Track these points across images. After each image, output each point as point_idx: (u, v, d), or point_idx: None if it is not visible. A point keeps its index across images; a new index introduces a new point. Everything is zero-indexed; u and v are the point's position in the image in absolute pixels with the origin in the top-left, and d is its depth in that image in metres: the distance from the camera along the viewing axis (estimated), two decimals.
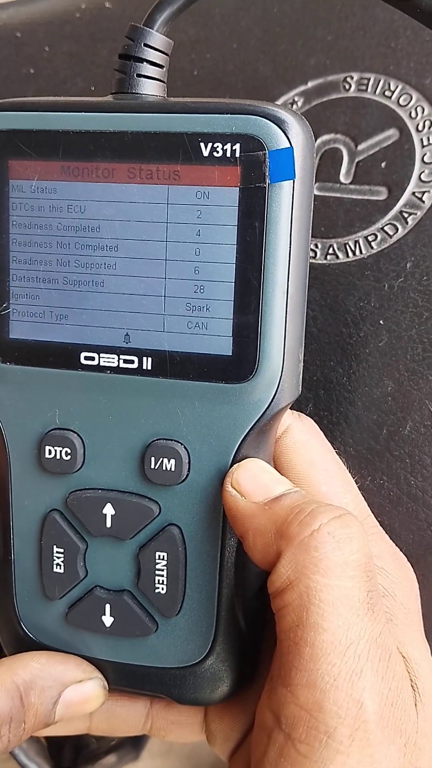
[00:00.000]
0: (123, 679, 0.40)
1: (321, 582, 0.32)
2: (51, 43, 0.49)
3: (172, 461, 0.36)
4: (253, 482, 0.35)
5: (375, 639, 0.32)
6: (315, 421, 0.41)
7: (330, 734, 0.30)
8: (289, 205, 0.33)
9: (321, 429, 0.40)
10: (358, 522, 0.34)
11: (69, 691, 0.38)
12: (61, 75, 0.49)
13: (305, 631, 0.32)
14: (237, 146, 0.33)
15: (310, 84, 0.45)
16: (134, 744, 0.59)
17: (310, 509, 0.33)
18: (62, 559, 0.39)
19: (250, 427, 0.36)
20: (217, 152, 0.33)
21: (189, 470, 0.37)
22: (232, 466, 0.36)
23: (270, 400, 0.35)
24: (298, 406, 0.43)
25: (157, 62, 0.36)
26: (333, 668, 0.31)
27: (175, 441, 0.36)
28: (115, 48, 0.48)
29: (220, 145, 0.33)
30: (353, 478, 0.40)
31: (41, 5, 0.50)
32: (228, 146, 0.33)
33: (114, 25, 0.49)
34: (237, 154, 0.33)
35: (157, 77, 0.36)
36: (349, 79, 0.44)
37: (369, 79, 0.44)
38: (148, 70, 0.36)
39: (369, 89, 0.44)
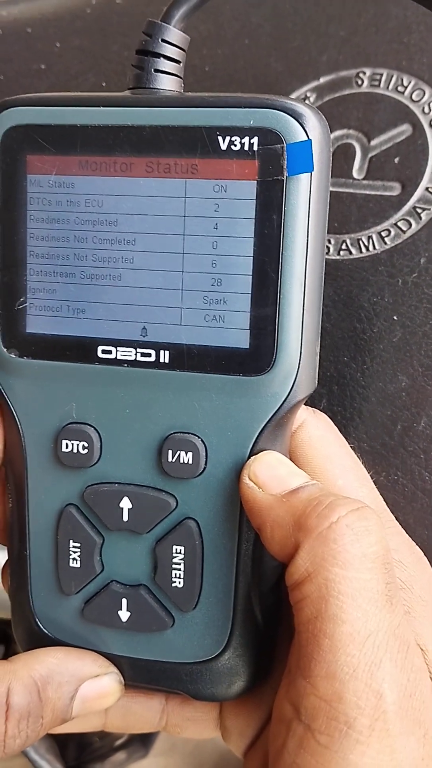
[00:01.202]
0: (139, 675, 0.41)
1: (340, 574, 0.33)
2: (62, 39, 0.51)
3: (190, 454, 0.37)
4: (270, 474, 0.36)
5: (394, 630, 0.33)
6: (329, 416, 0.42)
7: (350, 724, 0.31)
8: (306, 198, 0.35)
9: (335, 425, 0.41)
10: (376, 515, 0.35)
11: (86, 686, 0.39)
12: (72, 70, 0.50)
13: (324, 622, 0.32)
14: (255, 140, 0.34)
15: (322, 80, 0.46)
16: (143, 741, 0.60)
17: (328, 501, 0.34)
18: (78, 553, 0.40)
19: (267, 420, 0.37)
20: (235, 146, 0.34)
21: (206, 463, 0.38)
22: (248, 459, 0.37)
23: (287, 393, 0.36)
24: (311, 401, 0.44)
25: (174, 58, 0.37)
26: (352, 659, 0.32)
27: (192, 434, 0.38)
28: (126, 43, 0.49)
29: (238, 139, 0.34)
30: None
31: (52, 1, 0.51)
32: (246, 140, 0.34)
33: (124, 21, 0.50)
34: (255, 148, 0.34)
35: (173, 72, 0.38)
36: (361, 75, 0.45)
37: (382, 75, 0.45)
38: (165, 65, 0.37)
39: (382, 85, 0.45)
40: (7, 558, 0.43)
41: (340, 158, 0.46)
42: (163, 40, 0.37)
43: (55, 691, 0.38)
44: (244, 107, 0.34)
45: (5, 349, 0.39)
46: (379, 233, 0.45)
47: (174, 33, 0.37)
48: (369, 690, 0.32)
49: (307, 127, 0.34)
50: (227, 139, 0.35)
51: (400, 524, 0.41)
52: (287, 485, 0.36)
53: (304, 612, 0.33)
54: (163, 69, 0.37)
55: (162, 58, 0.37)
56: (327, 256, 0.46)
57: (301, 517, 0.34)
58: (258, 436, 0.37)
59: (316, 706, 0.32)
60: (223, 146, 0.35)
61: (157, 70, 0.37)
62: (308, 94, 0.46)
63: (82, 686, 0.39)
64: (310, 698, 0.33)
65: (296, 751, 0.33)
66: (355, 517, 0.34)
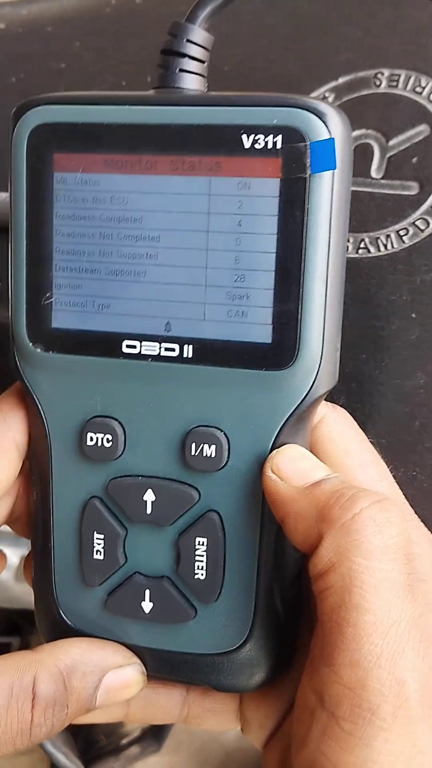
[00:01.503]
0: (160, 667, 0.42)
1: (363, 564, 0.33)
2: (81, 38, 0.52)
3: (212, 447, 0.38)
4: (292, 467, 0.37)
5: (416, 620, 0.34)
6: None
7: (374, 711, 0.32)
8: (329, 195, 0.35)
9: None
10: (398, 507, 0.36)
11: (109, 677, 0.40)
12: (91, 70, 0.51)
13: (348, 612, 0.33)
14: (278, 138, 0.35)
15: (340, 80, 0.47)
16: (156, 736, 0.61)
17: (351, 493, 0.35)
18: (102, 545, 0.41)
19: (289, 414, 0.38)
20: (259, 144, 0.35)
21: (229, 457, 0.39)
22: (271, 452, 0.38)
23: (309, 388, 0.37)
24: (330, 398, 0.45)
25: (199, 57, 0.38)
26: (375, 648, 0.33)
27: (215, 428, 0.38)
28: (145, 44, 0.50)
29: (261, 137, 0.35)
30: None
31: (72, 0, 0.52)
32: (270, 138, 0.35)
33: (144, 21, 0.51)
34: (278, 146, 0.35)
35: (198, 72, 0.39)
36: (379, 76, 0.46)
37: (400, 76, 0.46)
38: (189, 65, 0.38)
39: (400, 85, 0.46)
40: (30, 551, 0.44)
41: (359, 158, 0.46)
42: (188, 40, 0.38)
43: (80, 680, 0.39)
44: (268, 106, 0.35)
45: (31, 344, 0.40)
46: (398, 232, 0.46)
47: (199, 33, 0.38)
48: (392, 678, 0.32)
49: (330, 126, 0.35)
50: (251, 137, 0.35)
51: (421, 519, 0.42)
52: (310, 478, 0.37)
53: (328, 601, 0.34)
54: (188, 68, 0.38)
55: (187, 58, 0.38)
56: (346, 255, 0.47)
57: (324, 509, 0.35)
58: (280, 430, 0.38)
59: (340, 694, 0.33)
60: (247, 144, 0.35)
61: (181, 70, 0.38)
62: (326, 95, 0.47)
63: (105, 676, 0.40)
64: (334, 686, 0.33)
65: (320, 738, 0.34)
66: (378, 508, 0.35)
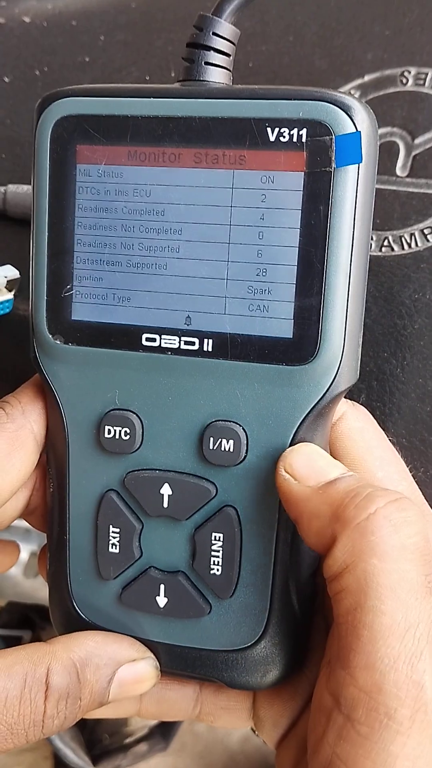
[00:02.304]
0: (174, 662, 0.42)
1: (378, 566, 0.33)
2: (106, 32, 0.52)
3: (231, 442, 0.39)
4: (307, 466, 0.37)
5: None
6: (368, 411, 0.43)
7: (390, 716, 0.32)
8: (353, 190, 0.36)
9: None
10: (416, 506, 0.35)
11: (123, 670, 0.40)
12: (115, 64, 0.52)
13: (363, 614, 0.33)
14: (303, 131, 0.35)
15: (367, 77, 0.47)
16: (163, 734, 0.61)
17: (366, 493, 0.35)
18: (118, 539, 0.41)
19: (308, 410, 0.38)
20: (284, 137, 0.36)
21: (247, 452, 0.39)
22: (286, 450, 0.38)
23: (329, 383, 0.37)
24: (350, 396, 0.45)
25: (225, 51, 0.39)
26: (392, 651, 0.32)
27: (233, 422, 0.39)
28: (170, 38, 0.51)
29: (286, 130, 0.36)
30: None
31: None
32: (295, 131, 0.36)
33: (168, 16, 0.51)
34: (303, 139, 0.35)
35: (223, 65, 0.39)
36: (406, 74, 0.47)
37: (427, 74, 0.46)
38: (215, 58, 0.39)
39: (427, 84, 0.46)
40: (45, 544, 0.45)
41: (384, 155, 0.47)
42: (214, 33, 0.38)
43: (94, 673, 0.39)
44: (294, 99, 0.36)
45: (50, 336, 0.40)
46: (422, 230, 0.47)
47: (225, 26, 0.39)
48: (410, 681, 0.32)
49: (356, 120, 0.35)
50: (276, 130, 0.36)
51: None
52: (324, 476, 0.37)
53: (343, 603, 0.34)
54: (214, 62, 0.39)
55: (212, 51, 0.39)
56: (369, 253, 0.47)
57: (339, 509, 0.35)
58: (299, 426, 0.38)
59: (356, 697, 0.33)
60: (272, 137, 0.36)
61: (207, 63, 0.39)
62: (352, 92, 0.47)
63: (119, 670, 0.40)
64: (350, 689, 0.33)
65: (336, 741, 0.34)
66: (394, 507, 0.35)
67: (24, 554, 0.62)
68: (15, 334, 0.52)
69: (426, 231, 0.46)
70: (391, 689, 0.32)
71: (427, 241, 0.46)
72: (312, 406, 0.38)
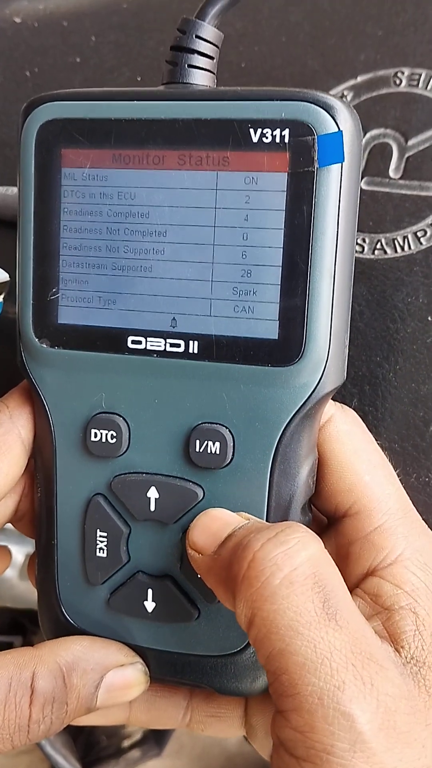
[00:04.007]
0: (163, 668, 0.43)
1: (270, 610, 0.34)
2: (98, 33, 0.54)
3: (217, 444, 0.40)
4: (205, 536, 0.39)
5: (350, 648, 0.33)
6: (360, 416, 0.44)
7: (329, 751, 0.32)
8: (337, 189, 0.37)
9: (366, 424, 0.44)
10: (300, 532, 0.36)
11: (111, 676, 0.42)
12: (107, 65, 0.54)
13: (277, 660, 0.33)
14: (286, 132, 0.37)
15: (359, 78, 0.49)
16: (157, 740, 0.62)
17: (246, 542, 0.36)
18: (105, 543, 0.43)
19: (295, 411, 0.39)
20: (267, 138, 0.37)
21: (233, 454, 0.40)
22: (276, 451, 0.40)
23: (315, 384, 0.39)
24: (342, 400, 0.46)
25: (208, 53, 0.40)
26: (313, 688, 0.32)
27: (220, 424, 0.40)
28: (162, 39, 0.53)
29: (269, 131, 0.37)
30: (398, 474, 0.43)
31: None
32: (277, 132, 0.37)
33: (160, 16, 0.53)
34: (286, 140, 0.37)
35: (207, 68, 0.41)
36: (399, 74, 0.48)
37: (420, 75, 0.47)
38: (198, 61, 0.40)
39: (420, 85, 0.47)
40: (34, 550, 0.46)
41: (377, 157, 0.48)
42: (197, 37, 0.40)
43: (80, 678, 0.41)
44: (276, 100, 0.37)
45: (37, 339, 0.42)
46: (415, 233, 0.48)
47: (208, 29, 0.40)
48: (339, 714, 0.32)
49: (338, 119, 0.37)
50: (259, 131, 0.37)
51: (429, 527, 0.43)
52: (218, 540, 0.38)
53: (260, 654, 0.35)
54: (197, 65, 0.40)
55: (196, 54, 0.40)
56: (361, 255, 0.48)
57: (229, 568, 0.36)
58: (285, 428, 0.39)
59: (293, 738, 0.33)
60: (255, 138, 0.37)
61: (190, 66, 0.40)
62: (345, 93, 0.49)
63: (107, 675, 0.42)
64: (286, 730, 0.34)
65: None
66: (272, 545, 0.35)
67: (20, 556, 0.64)
68: (5, 337, 0.53)
69: (419, 234, 0.48)
70: (323, 726, 0.32)
71: (420, 244, 0.48)
72: (298, 407, 0.39)
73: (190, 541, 0.39)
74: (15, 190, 0.54)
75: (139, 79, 0.53)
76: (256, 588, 0.34)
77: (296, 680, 0.33)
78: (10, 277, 0.50)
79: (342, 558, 0.41)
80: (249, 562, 0.35)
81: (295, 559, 0.34)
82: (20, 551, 0.63)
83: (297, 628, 0.33)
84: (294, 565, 0.34)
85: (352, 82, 0.49)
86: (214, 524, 0.39)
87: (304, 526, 0.36)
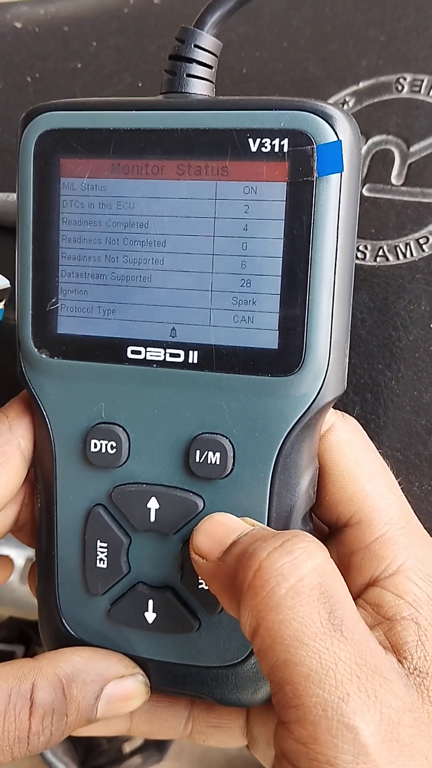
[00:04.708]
0: (164, 679, 0.44)
1: (276, 620, 0.34)
2: (98, 38, 0.54)
3: (217, 455, 0.40)
4: (208, 540, 0.39)
5: (354, 660, 0.33)
6: (362, 424, 0.44)
7: (332, 763, 0.32)
8: (336, 199, 0.37)
9: (368, 433, 0.44)
10: (306, 541, 0.36)
11: (111, 687, 0.42)
12: (107, 70, 0.54)
13: (281, 670, 0.33)
14: (285, 141, 0.37)
15: (361, 84, 0.49)
16: (158, 746, 0.62)
17: (252, 550, 0.36)
18: (105, 554, 0.43)
19: (295, 421, 0.39)
20: (266, 147, 0.37)
21: (234, 464, 0.40)
22: (277, 461, 0.40)
23: (316, 394, 0.39)
24: (344, 409, 0.46)
25: (207, 63, 0.41)
26: (317, 699, 0.32)
27: (220, 435, 0.40)
28: (163, 44, 0.53)
29: (268, 141, 0.37)
30: (400, 483, 0.43)
31: (89, 0, 0.55)
32: (276, 141, 0.37)
33: (162, 22, 0.53)
34: (285, 149, 0.37)
35: (206, 77, 0.41)
36: (401, 80, 0.48)
37: (422, 81, 0.48)
38: (197, 70, 0.41)
39: (422, 90, 0.48)
40: (34, 559, 0.47)
41: (379, 164, 0.48)
42: (196, 46, 0.40)
43: (80, 689, 0.41)
44: (275, 109, 0.37)
45: (36, 350, 0.42)
46: (417, 240, 0.48)
47: (207, 38, 0.40)
48: (343, 726, 0.32)
49: (337, 129, 0.37)
50: (257, 141, 0.38)
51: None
52: (223, 545, 0.38)
53: (263, 665, 0.35)
54: (196, 74, 0.40)
55: (194, 63, 0.40)
56: (363, 262, 0.49)
57: (234, 575, 0.36)
58: (286, 438, 0.40)
59: (296, 750, 0.33)
60: (254, 148, 0.38)
61: (189, 75, 0.40)
62: (347, 99, 0.49)
63: (107, 686, 0.42)
64: (289, 742, 0.34)
65: None
66: (278, 555, 0.35)
67: (20, 560, 0.64)
68: (5, 344, 0.53)
69: (422, 241, 0.48)
70: (326, 738, 0.32)
71: (423, 251, 0.48)
72: (298, 417, 0.39)
73: (194, 546, 0.39)
74: (15, 196, 0.54)
75: (140, 84, 0.53)
76: (262, 597, 0.34)
77: (300, 691, 0.33)
78: (10, 284, 0.50)
79: (343, 568, 0.41)
80: (255, 571, 0.35)
81: (301, 569, 0.34)
82: (21, 555, 0.64)
83: (302, 639, 0.33)
84: (300, 576, 0.34)
85: (353, 88, 0.49)
86: (219, 529, 0.39)
87: (311, 535, 0.36)
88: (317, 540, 0.36)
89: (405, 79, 0.48)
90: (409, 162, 0.48)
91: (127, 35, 0.54)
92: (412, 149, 0.48)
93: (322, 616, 0.34)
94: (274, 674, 0.34)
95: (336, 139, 0.37)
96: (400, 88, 0.48)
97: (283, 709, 0.34)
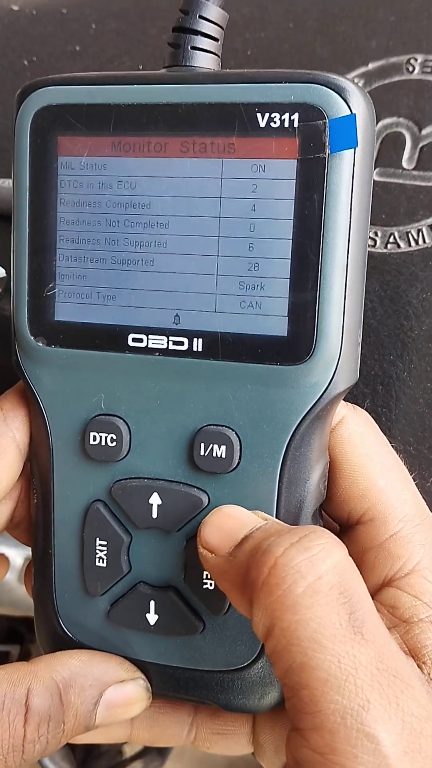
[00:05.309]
0: (166, 684, 0.42)
1: (293, 620, 0.32)
2: (98, 21, 0.53)
3: (223, 448, 0.39)
4: (218, 535, 0.37)
5: (375, 665, 0.32)
6: (372, 418, 0.42)
7: None
8: (349, 176, 0.36)
9: (379, 426, 0.42)
10: (324, 537, 0.34)
11: (110, 692, 0.40)
12: (108, 53, 0.53)
13: (297, 674, 0.32)
14: (295, 116, 0.36)
15: (371, 65, 0.47)
16: (159, 751, 0.61)
17: (266, 545, 0.34)
18: (105, 552, 0.41)
19: (305, 413, 0.38)
20: (275, 123, 0.36)
21: (240, 458, 0.39)
22: (286, 454, 0.38)
23: (327, 384, 0.37)
24: (354, 401, 0.45)
25: (212, 35, 0.39)
26: (337, 706, 0.31)
27: (225, 427, 0.39)
28: (164, 26, 0.51)
29: (278, 115, 0.36)
30: (414, 478, 0.42)
31: None
32: (286, 116, 0.36)
33: (163, 3, 0.52)
34: (295, 124, 0.36)
35: (211, 50, 0.39)
36: (412, 61, 0.47)
37: None
38: (202, 42, 0.39)
39: None
40: (30, 557, 0.45)
41: (390, 147, 0.47)
42: (201, 17, 0.39)
43: (78, 695, 0.39)
44: (284, 82, 0.36)
45: (32, 338, 0.41)
46: (430, 226, 0.47)
47: (212, 9, 0.39)
48: (363, 736, 0.30)
49: (351, 102, 0.35)
50: (266, 115, 0.36)
51: None
52: (234, 540, 0.36)
53: (277, 667, 0.33)
54: (200, 46, 0.39)
55: (199, 35, 0.39)
56: (373, 249, 0.47)
57: (247, 572, 0.34)
58: (295, 430, 0.38)
59: (311, 759, 0.31)
60: (262, 123, 0.36)
61: (194, 48, 0.39)
62: (356, 80, 0.48)
63: (106, 692, 0.40)
64: (304, 750, 0.32)
65: None
66: (295, 551, 0.33)
67: (18, 560, 0.63)
68: (3, 335, 0.52)
69: None
70: (345, 748, 0.31)
71: None
72: (309, 408, 0.38)
73: (202, 540, 0.37)
74: (7, 182, 0.52)
75: (140, 67, 0.52)
76: (277, 596, 0.32)
77: (318, 697, 0.31)
78: (7, 272, 0.49)
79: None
80: (270, 568, 0.33)
81: (319, 566, 0.33)
82: (19, 554, 0.63)
83: (320, 641, 0.31)
84: (318, 574, 0.33)
85: (363, 70, 0.48)
86: (230, 522, 0.37)
87: (329, 532, 0.35)
88: (336, 537, 0.35)
89: (416, 59, 0.47)
90: (421, 145, 0.47)
91: (127, 17, 0.53)
92: (424, 132, 0.47)
93: (342, 617, 0.32)
94: (289, 678, 0.32)
95: (349, 112, 0.35)
96: (411, 69, 0.47)
97: (299, 715, 0.32)
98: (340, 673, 0.31)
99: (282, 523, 0.37)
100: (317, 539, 0.34)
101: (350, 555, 0.40)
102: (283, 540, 0.34)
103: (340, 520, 0.42)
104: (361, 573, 0.38)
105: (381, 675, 0.31)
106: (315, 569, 0.33)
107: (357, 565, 0.39)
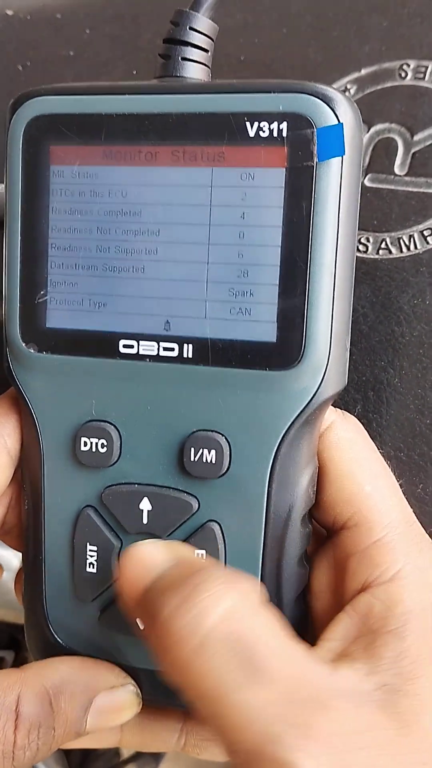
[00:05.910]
0: (156, 690, 0.42)
1: (190, 678, 0.33)
2: (92, 25, 0.54)
3: (213, 453, 0.39)
4: (127, 581, 0.37)
5: (285, 698, 0.32)
6: (363, 423, 0.43)
7: None
8: (337, 184, 0.37)
9: (369, 432, 0.43)
10: (214, 585, 0.34)
11: (101, 698, 0.41)
12: (102, 58, 0.53)
13: (210, 723, 0.33)
14: (284, 125, 0.36)
15: (363, 71, 0.48)
16: (154, 754, 0.62)
17: (159, 605, 0.34)
18: (95, 558, 0.42)
19: (294, 417, 0.39)
20: (264, 132, 0.37)
21: (230, 463, 0.40)
22: (275, 459, 0.39)
23: (316, 389, 0.38)
24: (345, 407, 0.46)
25: (202, 46, 0.40)
26: (251, 746, 0.31)
27: (215, 432, 0.40)
28: (159, 31, 0.52)
29: (266, 125, 0.37)
30: (402, 485, 0.42)
31: None
32: (275, 125, 0.37)
33: (157, 8, 0.52)
34: (284, 134, 0.36)
35: (201, 61, 0.40)
36: (405, 67, 0.47)
37: (426, 67, 0.47)
38: (192, 53, 0.40)
39: (426, 77, 0.47)
40: (21, 564, 0.46)
41: (382, 153, 0.48)
42: (191, 28, 0.40)
43: (68, 701, 0.40)
44: (273, 92, 0.37)
45: (24, 344, 0.41)
46: (421, 232, 0.47)
47: (202, 21, 0.40)
48: (281, 765, 0.31)
49: (338, 111, 0.36)
50: (255, 125, 0.37)
51: None
52: (139, 588, 0.36)
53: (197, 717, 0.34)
54: (191, 57, 0.40)
55: (189, 47, 0.40)
56: (365, 255, 0.48)
57: (150, 626, 0.35)
58: (284, 435, 0.39)
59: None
60: (251, 133, 0.37)
61: (184, 59, 0.40)
62: (348, 86, 0.48)
63: (96, 698, 0.41)
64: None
65: None
66: (180, 614, 0.33)
67: (16, 562, 0.63)
68: None
69: (426, 233, 0.47)
70: None
71: (427, 243, 0.47)
72: (297, 413, 0.39)
73: (117, 584, 0.38)
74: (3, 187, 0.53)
75: (134, 72, 0.53)
76: (174, 656, 0.33)
77: (233, 740, 0.32)
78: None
79: (340, 572, 0.41)
80: (159, 632, 0.34)
81: (206, 621, 0.33)
82: (16, 556, 0.63)
83: (220, 693, 0.32)
84: (206, 629, 0.33)
85: (355, 75, 0.48)
86: (137, 569, 0.37)
87: (222, 573, 0.35)
88: (231, 576, 0.35)
89: (408, 65, 0.47)
90: (413, 151, 0.47)
91: (121, 22, 0.53)
92: (416, 138, 0.47)
93: (235, 668, 0.32)
94: (208, 725, 0.33)
95: (337, 122, 0.36)
96: (403, 74, 0.47)
97: (228, 755, 0.33)
98: (247, 719, 0.31)
99: (189, 561, 0.37)
100: (204, 591, 0.34)
101: (335, 560, 0.41)
102: (171, 600, 0.34)
103: (327, 524, 0.42)
104: (343, 578, 0.39)
105: (291, 707, 0.32)
106: (201, 627, 0.33)
107: (340, 570, 0.40)
